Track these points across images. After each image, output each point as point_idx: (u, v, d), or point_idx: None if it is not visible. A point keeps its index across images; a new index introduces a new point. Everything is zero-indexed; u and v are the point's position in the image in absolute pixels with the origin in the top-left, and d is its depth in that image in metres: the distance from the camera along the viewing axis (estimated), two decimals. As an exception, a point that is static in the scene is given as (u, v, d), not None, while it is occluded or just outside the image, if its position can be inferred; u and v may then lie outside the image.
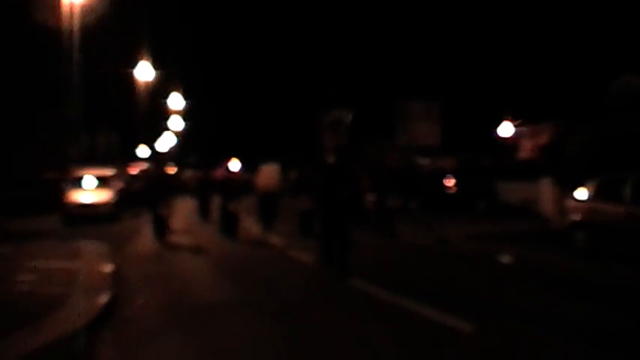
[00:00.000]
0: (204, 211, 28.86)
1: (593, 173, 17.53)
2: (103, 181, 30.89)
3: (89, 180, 30.70)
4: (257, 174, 24.13)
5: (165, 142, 66.84)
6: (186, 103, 62.34)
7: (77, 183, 30.65)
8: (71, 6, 25.99)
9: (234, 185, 22.47)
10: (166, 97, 59.62)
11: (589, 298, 12.07)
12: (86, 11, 27.04)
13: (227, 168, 22.88)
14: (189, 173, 43.61)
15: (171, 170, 39.51)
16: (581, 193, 17.27)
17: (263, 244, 20.51)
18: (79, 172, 31.61)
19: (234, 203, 21.76)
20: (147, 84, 47.73)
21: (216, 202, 26.04)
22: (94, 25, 28.91)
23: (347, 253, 14.12)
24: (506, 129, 48.82)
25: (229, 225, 21.84)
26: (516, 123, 45.62)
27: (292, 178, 26.32)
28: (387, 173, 22.49)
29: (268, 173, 23.56)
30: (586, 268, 15.22)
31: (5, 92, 35.60)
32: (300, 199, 21.92)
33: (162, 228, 20.59)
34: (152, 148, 61.79)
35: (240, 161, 25.59)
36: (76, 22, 26.23)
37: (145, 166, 44.44)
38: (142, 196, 26.53)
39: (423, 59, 46.84)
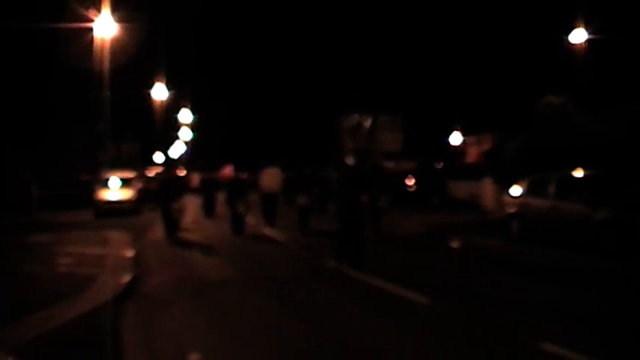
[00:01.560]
0: (209, 208, 27.63)
1: (524, 174, 17.73)
2: (126, 182, 30.86)
3: (115, 181, 30.65)
4: (260, 176, 22.70)
5: (177, 150, 66.65)
6: (194, 117, 62.19)
7: (105, 183, 30.63)
8: (102, 42, 25.96)
9: (242, 184, 20.87)
10: (178, 112, 59.46)
11: (522, 273, 12.24)
12: (114, 44, 27.01)
13: (235, 168, 21.86)
14: (195, 175, 43.45)
15: (182, 172, 39.41)
16: (516, 190, 17.45)
17: (263, 237, 19.66)
18: (107, 175, 31.57)
19: (241, 201, 20.19)
20: (162, 102, 47.49)
21: (220, 199, 25.14)
22: (120, 55, 28.89)
23: (363, 250, 13.00)
24: (455, 138, 49.08)
25: (236, 220, 20.33)
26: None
27: (286, 178, 24.86)
28: (380, 174, 20.87)
29: (271, 175, 22.37)
30: (519, 250, 15.36)
31: (49, 110, 35.65)
32: (297, 197, 20.55)
33: (173, 224, 19.32)
34: (166, 154, 61.64)
35: (242, 165, 24.15)
36: (106, 55, 26.20)
37: (160, 169, 44.32)
38: (157, 194, 26.28)
39: (389, 82, 47.03)
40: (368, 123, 41.78)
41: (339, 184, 13.63)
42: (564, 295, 9.90)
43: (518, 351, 7.11)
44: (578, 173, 15.61)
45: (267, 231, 20.77)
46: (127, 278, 11.42)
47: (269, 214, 22.19)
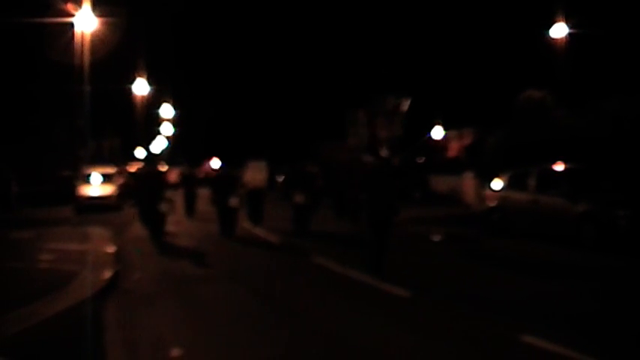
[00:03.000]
0: (189, 205, 25.60)
1: (505, 168, 17.87)
2: (107, 178, 30.75)
3: (96, 177, 30.52)
4: (245, 171, 21.18)
5: (158, 145, 66.39)
6: (176, 112, 61.98)
7: (86, 179, 30.49)
8: (83, 37, 25.81)
9: (233, 180, 19.01)
10: (159, 107, 59.22)
11: (503, 267, 12.35)
12: (94, 39, 26.81)
13: (224, 164, 20.63)
14: (172, 170, 43.27)
15: (163, 168, 39.24)
16: (496, 184, 17.59)
17: (248, 234, 18.90)
18: (88, 170, 31.39)
19: (231, 199, 18.30)
20: (143, 97, 47.21)
21: (202, 196, 24.31)
22: (100, 50, 28.70)
23: (386, 254, 11.38)
24: (437, 132, 49.20)
25: (225, 218, 18.43)
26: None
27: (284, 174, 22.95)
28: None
29: (256, 170, 21.41)
30: (500, 243, 15.51)
31: (29, 107, 35.51)
32: (294, 194, 18.25)
33: (158, 224, 17.20)
34: (147, 149, 61.39)
35: (224, 159, 23.05)
36: (86, 50, 26.01)
37: (141, 165, 44.13)
38: (137, 191, 25.40)
39: (369, 76, 47.05)
40: (406, 106, 36.67)
41: (372, 179, 11.54)
42: (544, 288, 10.00)
43: (499, 343, 7.17)
44: (558, 167, 15.77)
45: (253, 228, 20.13)
46: (108, 274, 11.37)
47: (255, 211, 21.13)
